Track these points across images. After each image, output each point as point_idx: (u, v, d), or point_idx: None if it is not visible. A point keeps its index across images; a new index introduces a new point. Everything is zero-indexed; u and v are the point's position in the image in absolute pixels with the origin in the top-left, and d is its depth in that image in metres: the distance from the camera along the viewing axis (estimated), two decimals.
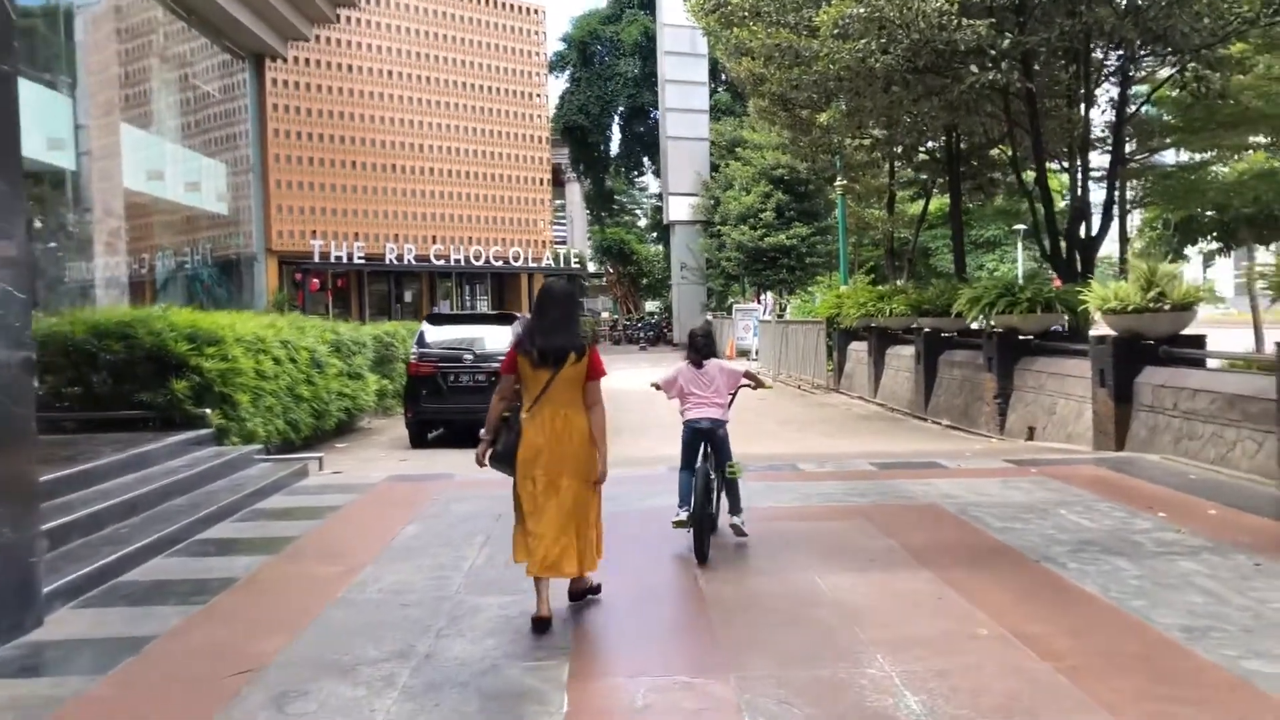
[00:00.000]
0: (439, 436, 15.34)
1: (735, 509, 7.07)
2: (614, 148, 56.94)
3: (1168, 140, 20.21)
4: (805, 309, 30.70)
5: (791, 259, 40.22)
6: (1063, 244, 16.10)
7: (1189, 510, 7.66)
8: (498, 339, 14.39)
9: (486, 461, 5.54)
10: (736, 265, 41.62)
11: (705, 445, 6.87)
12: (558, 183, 63.35)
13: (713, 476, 6.79)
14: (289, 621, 5.41)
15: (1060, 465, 10.08)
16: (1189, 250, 27.07)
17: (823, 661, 4.62)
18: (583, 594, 5.62)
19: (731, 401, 7.09)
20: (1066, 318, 14.70)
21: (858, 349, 23.08)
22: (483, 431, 5.57)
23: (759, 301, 40.98)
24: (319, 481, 10.14)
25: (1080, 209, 16.03)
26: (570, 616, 5.43)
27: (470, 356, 14.08)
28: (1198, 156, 23.07)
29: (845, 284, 26.69)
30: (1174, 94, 18.68)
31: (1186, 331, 11.56)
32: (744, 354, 33.28)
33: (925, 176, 24.94)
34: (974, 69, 13.51)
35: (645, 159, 56.58)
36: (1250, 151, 22.73)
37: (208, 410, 10.40)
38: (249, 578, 6.38)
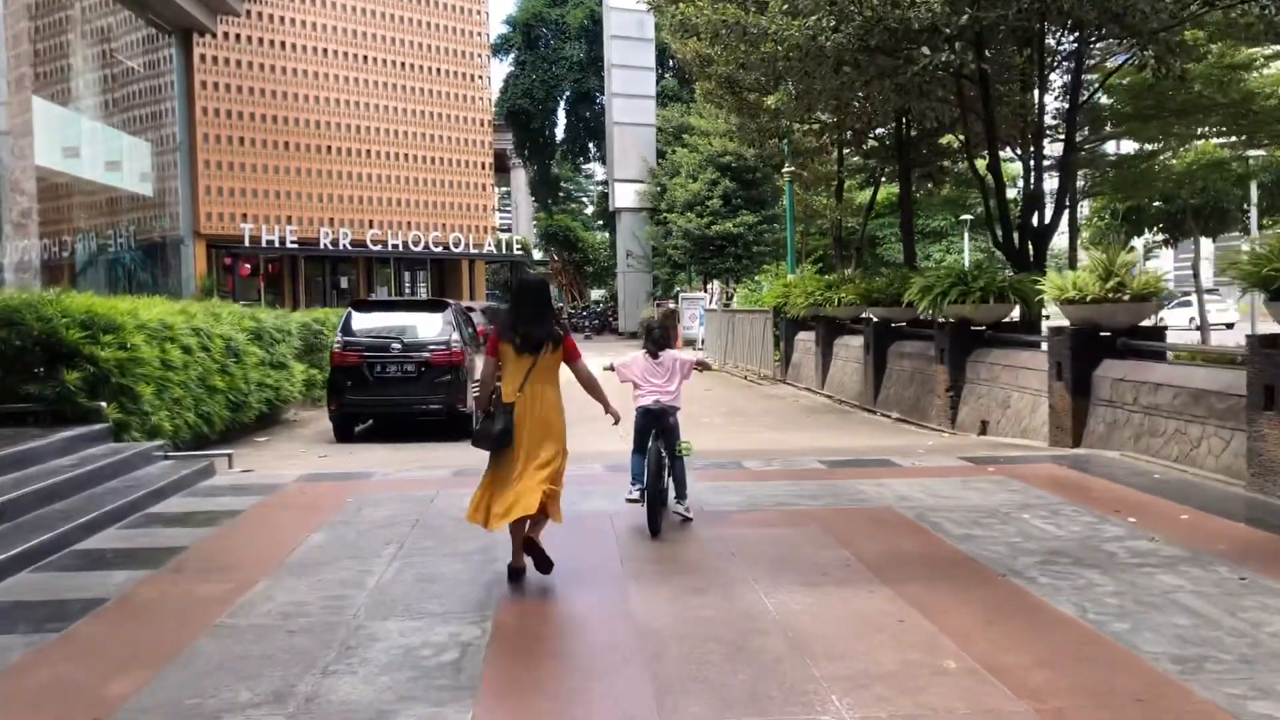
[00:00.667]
0: (366, 430, 14.55)
1: (681, 494, 7.18)
2: (559, 133, 56.09)
3: (1118, 129, 19.88)
4: (752, 299, 30.19)
5: (738, 247, 39.73)
6: (1015, 233, 15.70)
7: (1159, 514, 7.15)
8: (429, 327, 13.63)
9: (474, 443, 5.96)
10: (683, 253, 41.06)
11: (656, 428, 6.99)
12: (502, 169, 62.30)
13: (664, 455, 6.94)
14: (154, 654, 4.67)
15: (1018, 463, 9.57)
16: (1135, 241, 27.02)
17: (769, 704, 3.98)
18: (540, 558, 5.70)
19: (681, 382, 7.28)
20: (1018, 308, 14.29)
21: (805, 339, 22.57)
22: (478, 412, 6.10)
23: (705, 290, 40.52)
24: (225, 481, 9.33)
25: (1034, 197, 15.60)
26: (483, 644, 4.73)
27: (399, 345, 13.27)
28: (1147, 147, 22.88)
29: (792, 273, 26.19)
30: (1124, 81, 18.40)
31: (1145, 323, 11.16)
32: (690, 343, 32.70)
33: (874, 163, 24.52)
34: (926, 50, 12.96)
35: (591, 145, 55.78)
36: (1198, 141, 22.60)
37: (103, 404, 9.53)
38: (121, 598, 5.60)
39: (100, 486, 8.16)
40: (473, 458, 11.45)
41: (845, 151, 24.81)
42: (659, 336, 7.25)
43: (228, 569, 6.16)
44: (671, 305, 29.35)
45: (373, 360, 13.23)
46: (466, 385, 13.26)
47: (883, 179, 25.82)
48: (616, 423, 6.34)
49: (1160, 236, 28.31)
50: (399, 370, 13.25)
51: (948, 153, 24.16)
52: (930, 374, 15.24)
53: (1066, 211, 18.61)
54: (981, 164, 17.02)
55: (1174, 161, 22.35)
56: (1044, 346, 12.20)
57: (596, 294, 58.23)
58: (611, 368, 7.34)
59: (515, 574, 5.77)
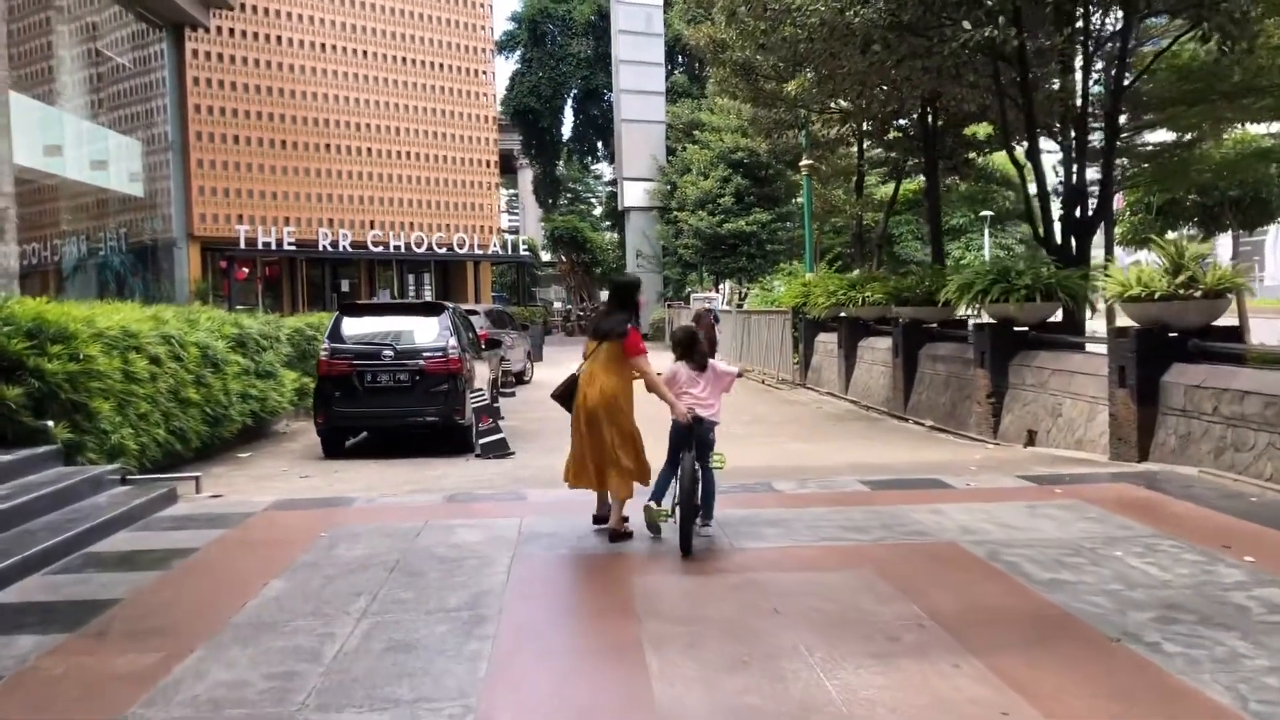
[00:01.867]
0: (358, 444, 13.47)
1: (708, 513, 6.77)
2: (567, 131, 54.97)
3: (1160, 115, 18.63)
4: (767, 298, 29.02)
5: (751, 246, 38.58)
6: (1055, 227, 14.57)
7: (1278, 551, 6.01)
8: (425, 332, 12.52)
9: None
10: (694, 253, 39.90)
11: (692, 441, 6.61)
12: (510, 170, 61.28)
13: (698, 469, 6.58)
14: None
15: (1086, 483, 8.43)
16: (1169, 235, 25.80)
17: None
18: (616, 536, 6.69)
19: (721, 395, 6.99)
20: (1059, 308, 13.13)
21: (826, 341, 21.43)
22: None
23: (717, 290, 39.43)
24: (186, 510, 8.23)
25: (1077, 188, 14.45)
26: None
27: (391, 353, 12.16)
28: (1185, 136, 21.62)
29: (810, 271, 25.04)
30: (1163, 67, 17.20)
31: (1219, 323, 10.01)
32: None
33: (896, 155, 23.35)
34: (967, 24, 11.82)
35: (599, 143, 54.67)
36: (1239, 128, 21.36)
37: (50, 423, 8.44)
38: (16, 675, 4.50)
39: (35, 521, 7.07)
40: (469, 479, 10.38)
41: (866, 144, 23.71)
42: (701, 348, 6.89)
43: (160, 632, 5.06)
44: (708, 306, 28.01)
45: (363, 369, 12.14)
46: (465, 395, 12.17)
47: (906, 172, 24.67)
48: (687, 426, 6.53)
49: (1193, 231, 27.05)
50: (391, 379, 12.15)
51: (974, 144, 23.12)
52: (968, 379, 14.11)
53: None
54: (1018, 153, 15.88)
55: (1215, 151, 21.08)
56: (1101, 349, 11.08)
57: (605, 295, 57.02)
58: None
59: (597, 520, 7.00)
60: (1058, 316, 13.34)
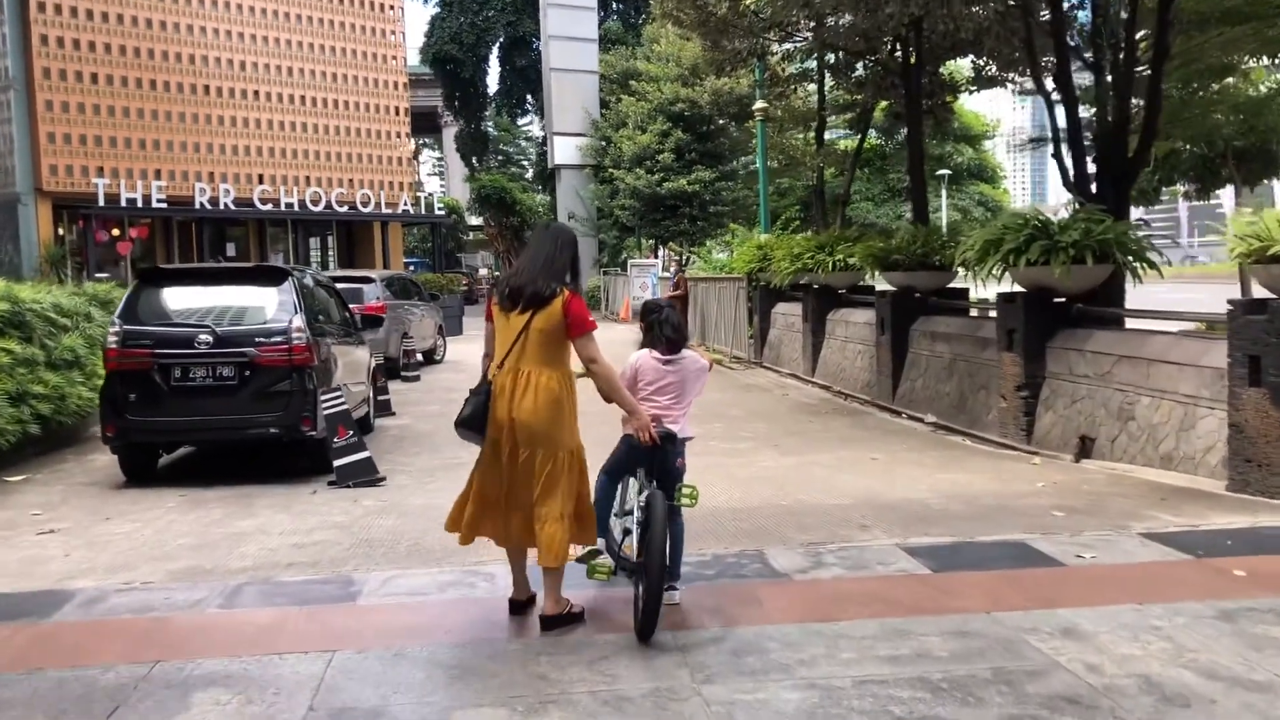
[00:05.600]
0: (189, 456, 9.98)
1: (674, 571, 4.64)
2: (493, 84, 50.94)
3: (1199, 35, 15.61)
4: (711, 265, 25.77)
5: (693, 207, 35.28)
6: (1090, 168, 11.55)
7: None
8: (258, 310, 9.00)
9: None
10: (632, 215, 36.51)
11: (650, 466, 4.53)
12: (435, 128, 57.12)
13: (661, 507, 4.29)
14: None
15: (1266, 552, 5.31)
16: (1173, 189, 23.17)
17: None
18: (557, 622, 4.39)
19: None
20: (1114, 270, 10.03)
21: (786, 313, 18.27)
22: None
23: (656, 256, 36.20)
24: None
25: (1120, 120, 11.39)
26: None
27: (210, 338, 8.63)
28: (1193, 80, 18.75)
29: (766, 232, 21.85)
30: None
31: None
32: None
33: (865, 95, 20.17)
34: None
35: (528, 97, 50.74)
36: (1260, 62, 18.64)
37: None
38: None
39: None
40: (293, 537, 6.75)
41: (830, 83, 20.60)
42: (675, 327, 4.73)
43: None
44: (685, 274, 24.27)
45: (169, 361, 8.59)
46: (316, 396, 8.72)
47: (873, 120, 21.60)
48: (652, 444, 4.42)
49: (1187, 186, 24.41)
50: (210, 375, 8.63)
51: (952, 87, 20.38)
52: (982, 364, 11.03)
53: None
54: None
55: (1241, 89, 18.25)
56: (1191, 328, 8.02)
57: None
58: None
59: (515, 607, 4.62)
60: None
